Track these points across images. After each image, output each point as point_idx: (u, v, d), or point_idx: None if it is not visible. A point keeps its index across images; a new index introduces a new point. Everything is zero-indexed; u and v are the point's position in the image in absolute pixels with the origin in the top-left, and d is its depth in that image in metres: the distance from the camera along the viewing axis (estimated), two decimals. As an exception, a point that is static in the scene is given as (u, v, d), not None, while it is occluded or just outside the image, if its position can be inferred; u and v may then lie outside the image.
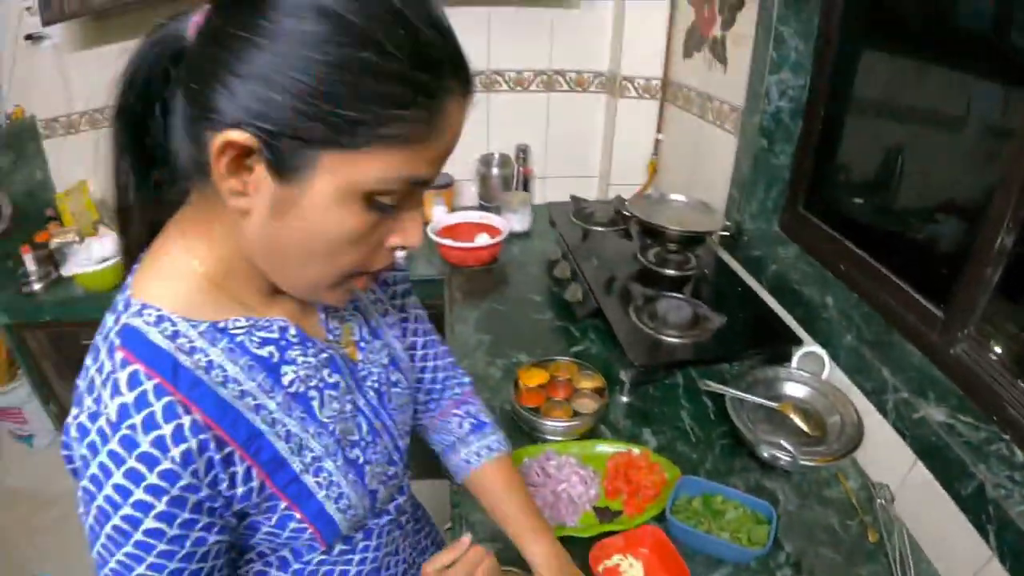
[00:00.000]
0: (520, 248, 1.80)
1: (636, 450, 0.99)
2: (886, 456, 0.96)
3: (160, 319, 0.48)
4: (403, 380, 0.69)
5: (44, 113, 2.00)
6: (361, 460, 0.60)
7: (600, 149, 2.09)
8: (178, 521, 0.45)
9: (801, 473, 0.99)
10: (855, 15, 1.19)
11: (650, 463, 0.96)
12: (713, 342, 1.15)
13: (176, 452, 0.44)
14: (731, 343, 1.17)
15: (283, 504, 0.53)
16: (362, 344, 0.65)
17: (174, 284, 0.50)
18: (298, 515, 0.54)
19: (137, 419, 0.44)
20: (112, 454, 0.43)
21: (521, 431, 1.06)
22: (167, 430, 0.44)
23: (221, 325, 0.51)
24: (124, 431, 0.43)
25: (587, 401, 1.07)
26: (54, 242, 1.81)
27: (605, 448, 1.01)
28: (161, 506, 0.44)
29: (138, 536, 0.45)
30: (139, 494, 0.44)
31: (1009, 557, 0.74)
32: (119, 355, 0.45)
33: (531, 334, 1.35)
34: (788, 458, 0.94)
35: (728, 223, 1.38)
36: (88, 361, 0.48)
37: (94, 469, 0.44)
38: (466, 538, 0.67)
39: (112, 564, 0.46)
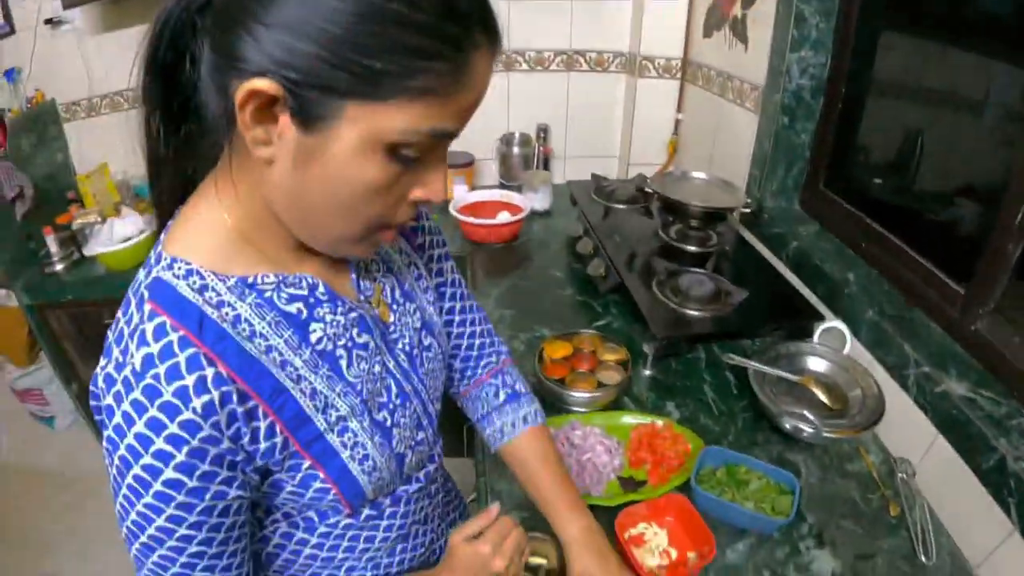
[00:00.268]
0: (541, 226, 1.81)
1: (660, 422, 1.01)
2: (907, 431, 0.97)
3: (189, 272, 0.48)
4: (435, 345, 0.69)
5: (65, 97, 2.02)
6: (389, 423, 0.60)
7: (620, 129, 2.09)
8: (197, 473, 0.46)
9: (823, 446, 1.00)
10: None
11: (674, 434, 0.98)
12: (735, 316, 1.16)
13: (198, 403, 0.45)
14: (753, 318, 1.18)
15: (306, 463, 0.54)
16: (394, 306, 0.65)
17: (204, 238, 0.51)
18: (321, 474, 0.55)
19: (161, 369, 0.44)
20: (135, 403, 0.44)
21: (545, 402, 1.06)
22: (189, 381, 0.45)
23: (250, 280, 0.51)
24: (148, 381, 0.44)
25: (611, 373, 1.08)
26: (76, 223, 1.83)
27: (629, 419, 1.02)
28: (181, 456, 0.45)
29: (157, 486, 0.46)
30: (160, 443, 0.45)
31: None
32: (147, 307, 0.46)
33: (553, 309, 1.36)
34: (811, 430, 0.95)
35: (749, 200, 1.38)
36: (119, 313, 0.49)
37: (118, 418, 0.45)
38: (495, 508, 0.67)
39: (133, 515, 0.48)
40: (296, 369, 0.53)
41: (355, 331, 0.58)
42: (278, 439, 0.51)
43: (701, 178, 1.44)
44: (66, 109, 2.03)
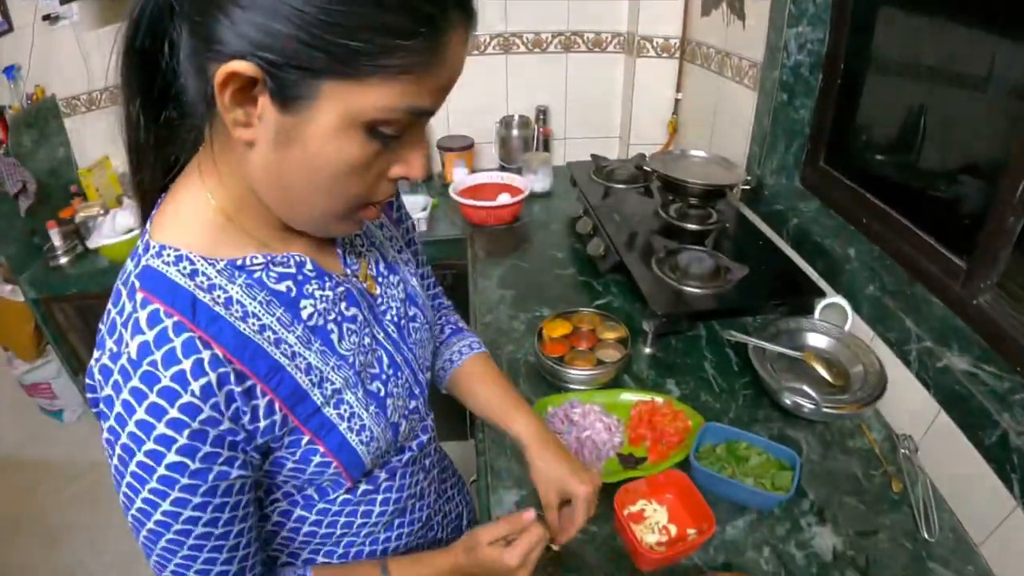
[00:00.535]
0: (541, 208, 1.81)
1: (659, 399, 1.00)
2: (910, 407, 0.97)
3: (179, 258, 0.49)
4: (420, 315, 0.71)
5: (64, 92, 2.03)
6: (383, 393, 0.61)
7: (619, 109, 2.09)
8: (199, 454, 0.47)
9: (825, 423, 0.99)
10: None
11: (674, 411, 0.98)
12: (735, 293, 1.15)
13: (196, 386, 0.46)
14: (753, 295, 1.18)
15: (306, 438, 0.54)
16: (380, 279, 0.66)
17: (191, 224, 0.51)
18: (321, 448, 0.55)
19: (157, 355, 0.45)
20: (134, 391, 0.45)
21: (545, 380, 1.08)
22: (187, 365, 0.45)
23: (239, 262, 0.52)
24: (145, 368, 0.45)
25: (610, 351, 1.08)
26: (79, 216, 1.84)
27: (629, 397, 1.02)
28: (183, 439, 0.46)
29: (161, 471, 0.46)
30: (161, 428, 0.45)
31: None
32: (139, 296, 0.47)
33: (554, 289, 1.37)
34: (811, 405, 0.94)
35: (749, 177, 1.37)
36: (109, 305, 0.49)
37: (118, 408, 0.46)
38: (529, 514, 0.65)
39: (138, 503, 0.48)
40: (290, 346, 0.53)
41: (343, 305, 0.59)
42: (277, 416, 0.52)
43: (700, 156, 1.43)
44: (66, 104, 2.05)
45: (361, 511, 0.65)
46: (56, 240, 1.82)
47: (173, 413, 0.45)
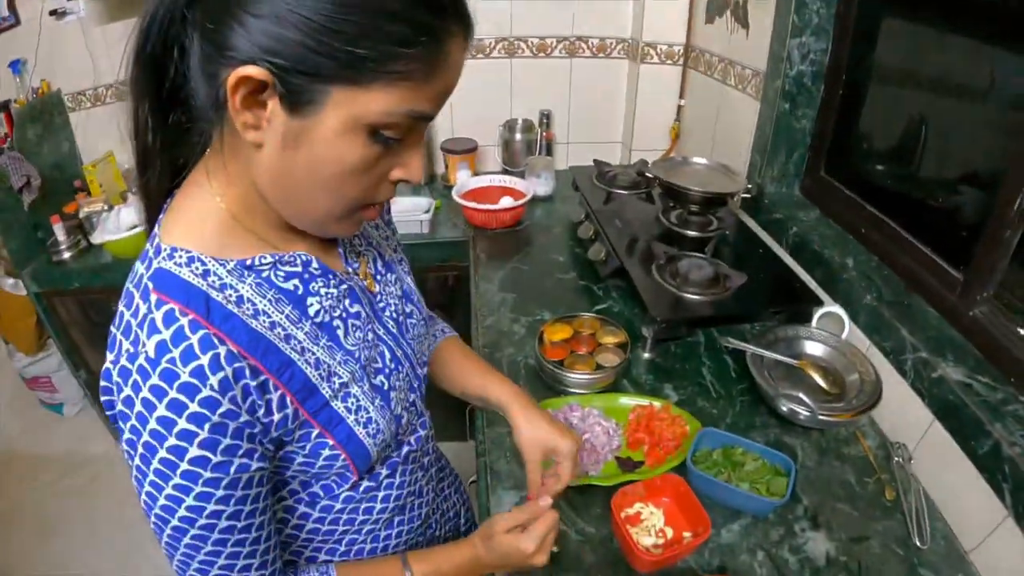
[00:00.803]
0: (543, 211, 1.82)
1: (658, 404, 1.02)
2: (904, 416, 0.98)
3: (191, 260, 0.50)
4: (416, 312, 0.73)
5: (70, 87, 2.02)
6: (386, 386, 0.63)
7: (622, 115, 2.10)
8: (221, 447, 0.48)
9: (820, 430, 1.00)
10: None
11: (672, 416, 0.99)
12: (734, 301, 1.17)
13: (214, 380, 0.47)
14: (752, 302, 1.19)
15: (316, 431, 0.56)
16: (378, 277, 0.69)
17: (201, 226, 0.52)
18: (331, 441, 0.57)
19: (176, 352, 0.46)
20: (154, 389, 0.46)
21: (544, 383, 1.10)
22: (204, 360, 0.47)
23: (248, 262, 0.53)
24: (164, 365, 0.46)
25: (610, 355, 1.09)
26: (83, 211, 1.84)
27: (627, 401, 1.04)
28: (204, 433, 0.47)
29: (184, 466, 0.47)
30: (182, 423, 0.46)
31: None
32: (153, 297, 0.48)
33: (554, 293, 1.38)
34: (807, 412, 0.96)
35: (749, 185, 1.38)
36: (122, 307, 0.50)
37: (138, 407, 0.47)
38: (545, 501, 0.69)
39: (162, 501, 0.49)
40: (299, 342, 0.55)
41: (347, 302, 0.61)
42: (289, 410, 0.53)
43: (702, 163, 1.44)
44: (72, 99, 2.04)
45: (363, 508, 0.67)
46: (60, 235, 1.82)
47: (193, 408, 0.46)
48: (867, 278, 1.12)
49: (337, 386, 0.57)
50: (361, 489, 0.65)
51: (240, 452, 0.50)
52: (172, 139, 0.53)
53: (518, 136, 2.00)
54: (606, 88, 2.05)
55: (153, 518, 0.51)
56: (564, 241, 1.62)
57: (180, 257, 0.50)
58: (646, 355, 1.16)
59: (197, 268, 0.50)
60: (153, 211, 0.56)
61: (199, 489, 0.49)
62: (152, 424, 0.46)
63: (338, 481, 0.62)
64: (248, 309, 0.52)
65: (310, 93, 0.44)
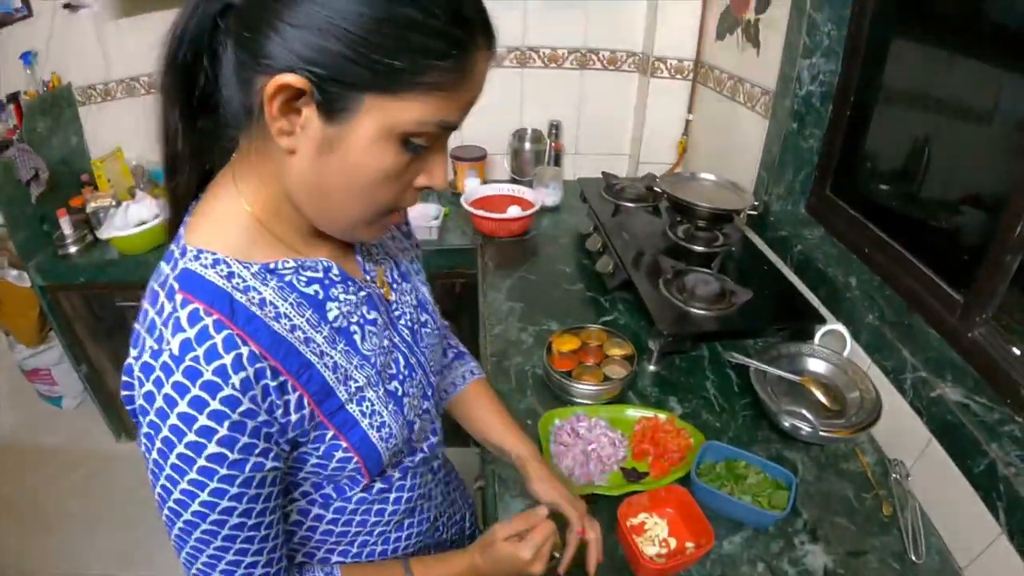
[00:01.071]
0: (551, 221, 1.83)
1: (663, 416, 1.03)
2: (902, 433, 1.00)
3: (216, 262, 0.52)
4: (431, 321, 0.75)
5: (81, 80, 2.02)
6: (400, 392, 0.64)
7: (631, 127, 2.11)
8: (238, 445, 0.49)
9: (820, 446, 1.02)
10: (887, 4, 1.20)
11: (676, 428, 1.01)
12: (739, 316, 1.19)
13: (236, 379, 0.48)
14: (756, 318, 1.21)
15: (330, 432, 0.57)
16: (394, 285, 0.70)
17: (227, 228, 0.54)
18: (344, 443, 0.58)
19: (200, 351, 0.47)
20: (177, 385, 0.47)
21: (552, 393, 1.11)
22: (227, 360, 0.48)
23: (272, 266, 0.55)
24: (187, 363, 0.47)
25: (617, 367, 1.11)
26: (91, 206, 1.83)
27: (633, 413, 1.05)
28: (223, 431, 0.48)
29: (201, 461, 0.49)
30: (203, 420, 0.47)
31: (1017, 534, 0.78)
32: (179, 296, 0.49)
33: (562, 303, 1.39)
34: (808, 428, 0.98)
35: (756, 202, 1.40)
36: (146, 305, 0.51)
37: (159, 402, 0.48)
38: (543, 511, 0.71)
39: (176, 494, 0.50)
40: (318, 345, 0.56)
41: (364, 309, 0.62)
42: (306, 411, 0.54)
43: (710, 179, 1.46)
44: (82, 93, 2.04)
45: (375, 510, 0.68)
46: (66, 228, 1.81)
47: (214, 405, 0.47)
48: (869, 297, 1.14)
49: (353, 390, 0.58)
50: (374, 491, 0.67)
51: (256, 451, 0.51)
52: (200, 144, 0.55)
53: (527, 145, 2.02)
54: (615, 100, 2.07)
55: (166, 511, 0.52)
56: (571, 252, 1.64)
57: (206, 259, 0.51)
58: (651, 368, 1.18)
59: (222, 270, 0.51)
60: (179, 213, 0.57)
61: (214, 485, 0.50)
62: (172, 420, 0.47)
63: (350, 483, 0.63)
64: (270, 311, 0.53)
65: (345, 101, 0.45)
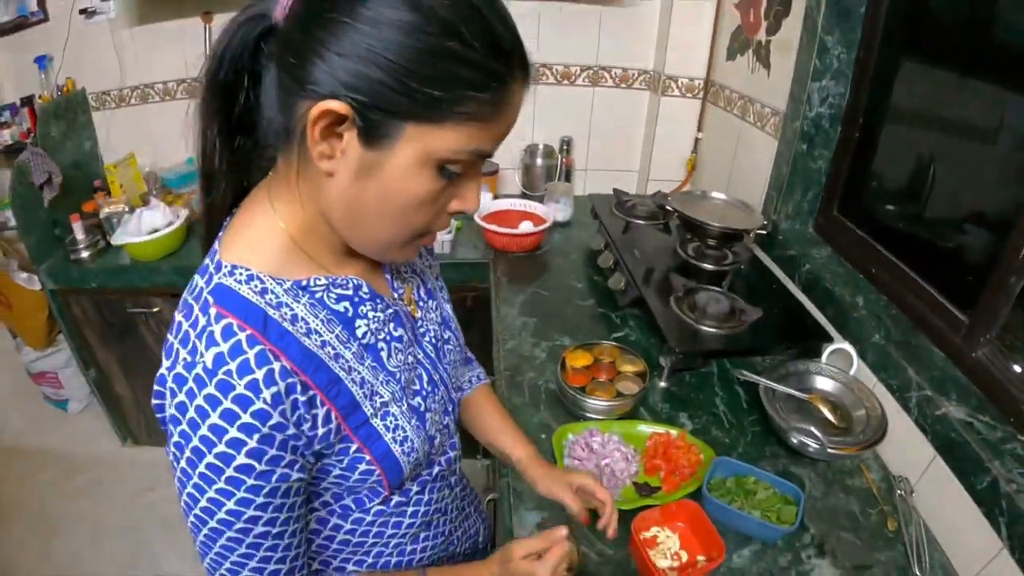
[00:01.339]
0: (561, 237, 1.85)
1: (674, 431, 1.05)
2: (907, 450, 1.02)
3: (250, 278, 0.53)
4: (453, 338, 0.77)
5: (95, 86, 2.04)
6: (423, 408, 0.66)
7: (641, 145, 2.14)
8: (266, 457, 0.50)
9: (826, 462, 1.04)
10: (897, 28, 1.23)
11: (687, 444, 1.03)
12: (748, 335, 1.21)
13: (267, 394, 0.49)
14: (765, 337, 1.23)
15: (355, 446, 0.58)
16: (420, 303, 0.72)
17: (262, 246, 0.55)
18: (367, 456, 0.59)
19: (233, 365, 0.48)
20: (209, 398, 0.48)
21: (564, 408, 1.13)
22: (259, 374, 0.49)
23: (304, 283, 0.56)
24: (220, 377, 0.48)
25: (629, 384, 1.13)
26: (104, 211, 1.84)
27: (645, 428, 1.07)
28: (252, 443, 0.49)
29: (230, 472, 0.50)
30: (233, 432, 0.49)
31: (1019, 549, 0.80)
32: (213, 311, 0.50)
33: (574, 319, 1.41)
34: (817, 445, 1.00)
35: (765, 222, 1.42)
36: (180, 317, 0.53)
37: (191, 413, 0.49)
38: (562, 531, 0.70)
39: (203, 503, 0.51)
40: (347, 361, 0.58)
41: (391, 326, 0.64)
42: (332, 424, 0.56)
43: (720, 198, 1.48)
44: (96, 98, 2.06)
45: (393, 522, 0.70)
46: (79, 233, 1.81)
47: (245, 418, 0.48)
48: (876, 317, 1.16)
49: (378, 404, 0.60)
50: (392, 504, 0.68)
51: (283, 463, 0.52)
52: (238, 162, 0.57)
53: (539, 161, 2.03)
54: (626, 118, 2.09)
55: (192, 518, 0.53)
56: (582, 268, 1.65)
57: (240, 274, 0.53)
58: (662, 384, 1.20)
59: (256, 286, 0.53)
60: (214, 229, 0.59)
61: (240, 495, 0.51)
62: (203, 431, 0.49)
63: (370, 495, 0.65)
64: (302, 327, 0.54)
65: (386, 128, 0.47)
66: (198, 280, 0.54)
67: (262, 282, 0.53)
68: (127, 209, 1.86)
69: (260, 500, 0.52)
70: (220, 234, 0.57)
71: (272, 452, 0.51)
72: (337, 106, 0.45)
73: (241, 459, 0.50)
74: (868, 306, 1.19)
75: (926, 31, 1.20)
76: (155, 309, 1.88)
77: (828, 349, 1.18)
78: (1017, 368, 0.93)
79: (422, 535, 0.75)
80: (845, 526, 0.94)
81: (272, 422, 0.50)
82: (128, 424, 2.22)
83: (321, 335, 0.56)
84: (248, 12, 0.50)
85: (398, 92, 0.45)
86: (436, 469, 0.73)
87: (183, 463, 0.51)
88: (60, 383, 2.35)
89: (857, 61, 1.30)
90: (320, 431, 0.55)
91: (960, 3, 1.14)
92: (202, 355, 0.49)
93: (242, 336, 0.50)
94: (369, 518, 0.67)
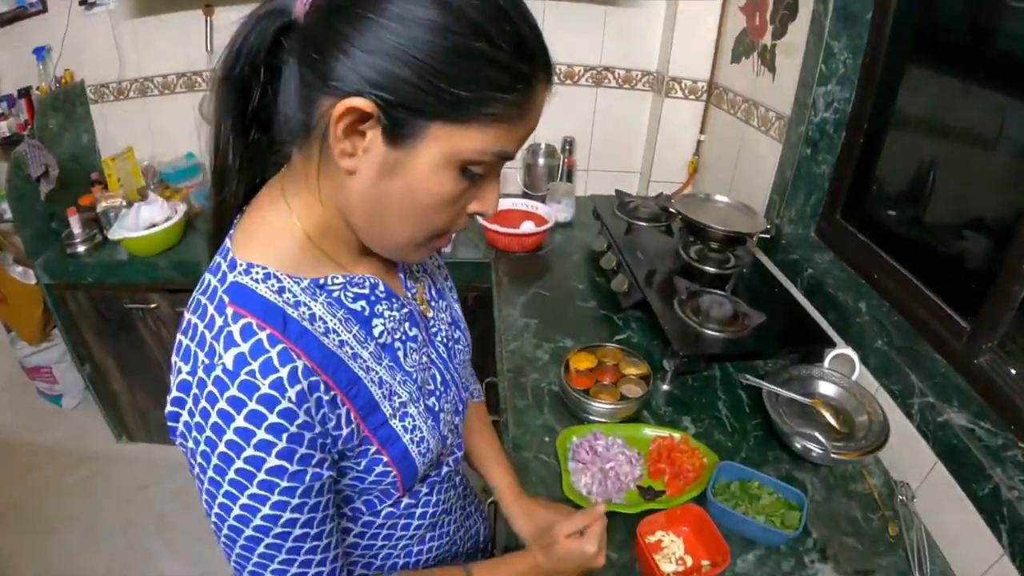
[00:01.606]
0: (563, 237, 1.84)
1: (677, 435, 1.06)
2: (909, 456, 1.02)
3: (267, 276, 0.52)
4: (463, 338, 0.76)
5: (94, 78, 2.02)
6: (437, 408, 0.65)
7: (643, 146, 2.14)
8: (296, 456, 0.49)
9: (829, 467, 1.05)
10: (903, 34, 1.23)
11: (691, 447, 1.03)
12: (751, 339, 1.21)
13: (292, 392, 0.48)
14: (767, 341, 1.23)
15: (373, 447, 0.57)
16: (432, 303, 0.71)
17: (278, 243, 0.54)
18: (385, 458, 0.58)
19: (255, 365, 0.47)
20: (232, 400, 0.47)
21: (567, 410, 1.13)
22: (284, 373, 0.48)
23: (321, 281, 0.56)
24: (243, 377, 0.47)
25: (633, 387, 1.13)
26: (101, 205, 1.82)
27: (649, 432, 1.07)
28: (282, 444, 0.48)
29: (261, 476, 0.48)
30: (261, 434, 0.47)
31: (1020, 555, 0.80)
32: (229, 310, 0.49)
33: (576, 320, 1.41)
34: (820, 450, 1.00)
35: (768, 226, 1.42)
36: (194, 318, 0.51)
37: (215, 417, 0.47)
38: (601, 507, 0.73)
39: (236, 511, 0.50)
40: (364, 361, 0.57)
41: (407, 325, 0.64)
42: (353, 426, 0.55)
43: (723, 201, 1.48)
44: (94, 91, 2.04)
45: (401, 524, 0.69)
46: (75, 227, 1.79)
47: (272, 419, 0.47)
48: (878, 323, 1.16)
49: (396, 405, 0.59)
50: (402, 506, 0.68)
51: (314, 461, 0.51)
52: (252, 158, 0.56)
53: (541, 160, 2.03)
54: (629, 118, 2.09)
55: (226, 529, 0.51)
56: (584, 269, 1.65)
57: (256, 273, 0.51)
58: (665, 387, 1.20)
59: (273, 284, 0.52)
60: (224, 226, 0.58)
61: (275, 498, 0.49)
62: (229, 435, 0.47)
63: (381, 497, 0.64)
64: (320, 327, 0.53)
65: (411, 127, 0.46)
66: (210, 279, 0.53)
67: (279, 280, 0.52)
68: (125, 203, 1.84)
69: (295, 501, 0.51)
70: (231, 231, 0.56)
71: (302, 451, 0.49)
72: (362, 103, 0.45)
73: (272, 461, 0.48)
74: (870, 311, 1.20)
75: (932, 38, 1.20)
76: (152, 305, 1.87)
77: (830, 354, 1.18)
78: (1017, 375, 0.94)
79: (428, 536, 0.75)
80: (847, 531, 0.94)
81: (299, 420, 0.49)
82: (123, 421, 2.21)
83: (339, 334, 0.55)
84: (268, 6, 0.49)
85: (425, 91, 0.45)
86: (444, 470, 0.72)
87: (211, 472, 0.49)
88: (54, 378, 2.33)
89: (863, 67, 1.30)
90: (343, 432, 0.54)
91: (966, 11, 1.14)
92: (221, 356, 0.47)
93: (262, 335, 0.48)
94: (379, 521, 0.67)
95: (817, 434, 1.02)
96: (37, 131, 1.83)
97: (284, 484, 0.49)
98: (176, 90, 2.07)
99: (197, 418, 0.48)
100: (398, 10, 0.44)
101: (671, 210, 1.41)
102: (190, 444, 0.50)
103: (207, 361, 0.48)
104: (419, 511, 0.70)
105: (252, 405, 0.47)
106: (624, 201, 1.67)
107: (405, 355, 0.62)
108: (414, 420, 0.61)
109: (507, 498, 0.87)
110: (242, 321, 0.49)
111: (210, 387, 0.47)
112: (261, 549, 0.52)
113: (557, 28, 1.94)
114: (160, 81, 2.05)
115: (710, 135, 1.92)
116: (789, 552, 0.90)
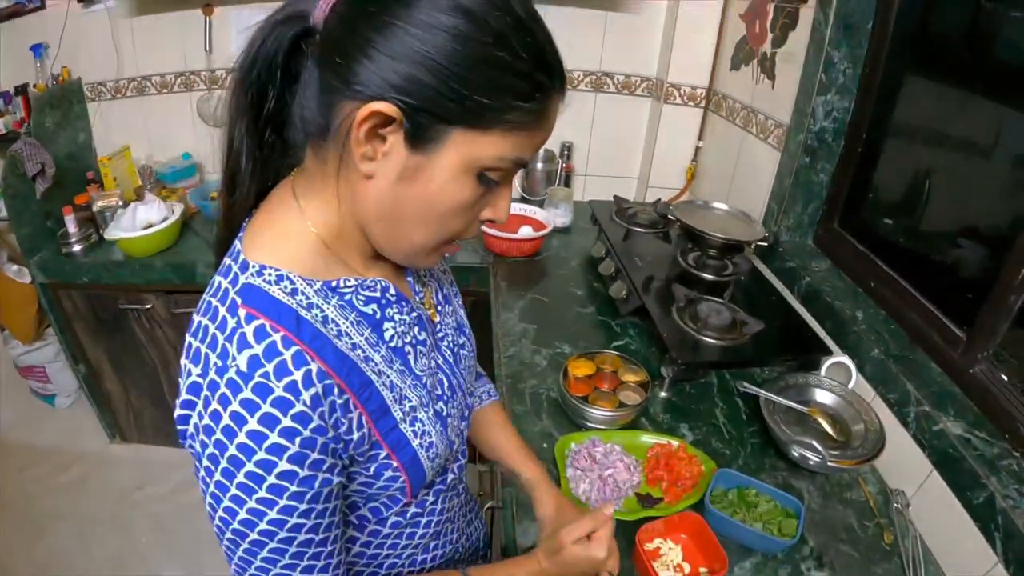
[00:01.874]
0: (561, 242, 1.84)
1: (675, 442, 1.06)
2: (905, 464, 1.03)
3: (280, 278, 0.52)
4: (468, 344, 0.76)
5: (91, 77, 2.02)
6: (445, 412, 0.65)
7: (642, 152, 2.14)
8: (308, 461, 0.48)
9: (825, 475, 1.05)
10: (902, 44, 1.24)
11: (688, 455, 1.03)
12: (749, 346, 1.21)
13: (307, 395, 0.48)
14: (765, 348, 1.23)
15: (384, 452, 0.57)
16: (439, 308, 0.71)
17: (290, 245, 0.54)
18: (395, 463, 0.58)
19: (269, 367, 0.47)
20: (246, 402, 0.46)
21: (566, 417, 1.13)
22: (298, 375, 0.47)
23: (333, 284, 0.55)
24: (257, 380, 0.46)
25: (631, 394, 1.13)
26: (97, 205, 1.81)
27: (647, 439, 1.08)
28: (294, 448, 0.47)
29: (271, 480, 0.48)
30: (274, 437, 0.47)
31: (1013, 563, 0.81)
32: (242, 312, 0.49)
33: (574, 326, 1.41)
34: (816, 458, 1.00)
35: (766, 234, 1.43)
36: (205, 320, 0.50)
37: (226, 420, 0.47)
38: (610, 510, 0.71)
39: (242, 515, 0.49)
40: (376, 364, 0.57)
41: (416, 329, 0.64)
42: (365, 430, 0.55)
43: (722, 208, 1.49)
44: (92, 89, 2.03)
45: (407, 532, 0.69)
46: (71, 227, 1.78)
47: (286, 422, 0.47)
48: (875, 331, 1.17)
49: (407, 409, 0.59)
50: (408, 515, 0.67)
51: (325, 467, 0.50)
52: (264, 161, 0.56)
53: (539, 165, 2.03)
54: (627, 124, 2.10)
55: (230, 533, 0.50)
56: (582, 274, 1.65)
57: (269, 275, 0.51)
58: (663, 394, 1.21)
59: (286, 287, 0.51)
60: (233, 228, 0.58)
61: (283, 503, 0.49)
62: (241, 438, 0.47)
63: (388, 504, 0.64)
64: (332, 329, 0.53)
65: (433, 132, 0.47)
66: (221, 281, 0.53)
67: (292, 283, 0.52)
68: (121, 203, 1.83)
69: (303, 507, 0.50)
70: (240, 234, 0.56)
71: (314, 456, 0.49)
72: (386, 107, 0.45)
73: (284, 465, 0.48)
74: (867, 320, 1.20)
75: (932, 48, 1.21)
76: (147, 306, 1.86)
77: (827, 362, 1.18)
78: (1015, 386, 0.94)
79: (432, 544, 0.74)
80: (843, 539, 0.95)
81: (313, 425, 0.48)
82: (117, 421, 2.20)
83: (351, 337, 0.55)
84: (285, 11, 0.50)
85: (448, 97, 0.45)
86: (450, 477, 0.72)
87: (218, 475, 0.48)
88: (48, 377, 2.32)
89: (862, 76, 1.31)
90: (355, 436, 0.54)
91: (966, 21, 1.15)
92: (234, 358, 0.47)
93: (276, 337, 0.48)
94: (385, 530, 0.66)
95: (814, 442, 1.03)
96: (34, 129, 1.82)
97: (293, 489, 0.49)
98: (174, 89, 2.06)
99: (207, 420, 0.48)
100: (424, 17, 0.44)
101: (670, 217, 1.41)
102: (198, 446, 0.49)
103: (219, 363, 0.47)
104: (424, 519, 0.70)
105: (266, 408, 0.47)
106: (622, 207, 1.67)
107: (415, 359, 0.62)
108: (424, 425, 0.61)
109: (541, 487, 0.84)
110: (256, 323, 0.48)
111: (223, 389, 0.47)
112: (264, 553, 0.51)
113: (557, 33, 1.88)
114: (158, 80, 2.04)
115: (708, 142, 1.93)
116: (786, 559, 0.91)
